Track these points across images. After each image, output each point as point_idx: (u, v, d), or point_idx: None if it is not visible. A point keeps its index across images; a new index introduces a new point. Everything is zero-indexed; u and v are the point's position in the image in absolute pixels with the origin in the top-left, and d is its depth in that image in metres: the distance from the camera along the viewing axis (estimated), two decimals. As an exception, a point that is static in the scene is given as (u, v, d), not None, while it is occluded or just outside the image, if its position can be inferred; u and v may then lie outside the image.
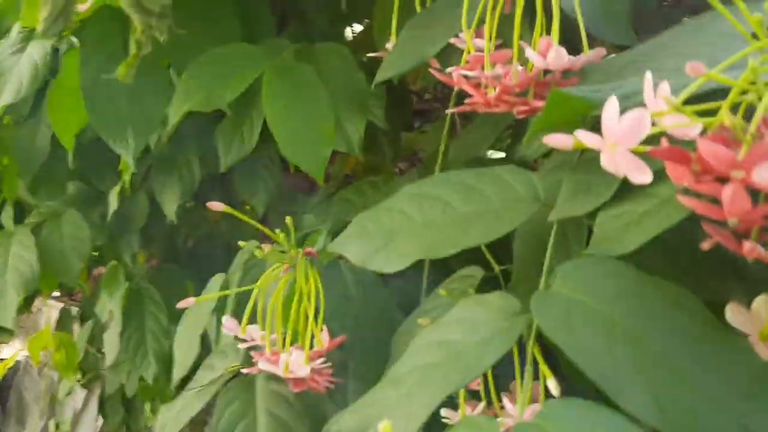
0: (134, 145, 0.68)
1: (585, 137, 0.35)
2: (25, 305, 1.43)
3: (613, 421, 0.32)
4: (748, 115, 0.35)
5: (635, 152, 0.34)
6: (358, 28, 0.96)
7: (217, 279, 0.73)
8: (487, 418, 0.38)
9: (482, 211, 0.46)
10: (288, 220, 0.58)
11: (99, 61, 0.68)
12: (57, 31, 0.54)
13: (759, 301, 0.37)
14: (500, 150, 0.85)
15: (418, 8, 0.63)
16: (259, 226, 0.61)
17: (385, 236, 0.47)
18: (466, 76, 0.53)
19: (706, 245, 0.39)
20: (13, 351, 2.58)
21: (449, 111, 0.62)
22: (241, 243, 0.61)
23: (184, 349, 0.70)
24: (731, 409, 0.32)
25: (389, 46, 0.63)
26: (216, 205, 0.54)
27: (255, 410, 0.59)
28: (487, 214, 0.46)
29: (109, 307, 0.99)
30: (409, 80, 0.82)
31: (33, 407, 2.42)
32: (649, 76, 0.36)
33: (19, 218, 1.00)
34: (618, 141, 0.34)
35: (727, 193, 0.33)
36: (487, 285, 0.57)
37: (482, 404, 0.56)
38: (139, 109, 0.68)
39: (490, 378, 0.54)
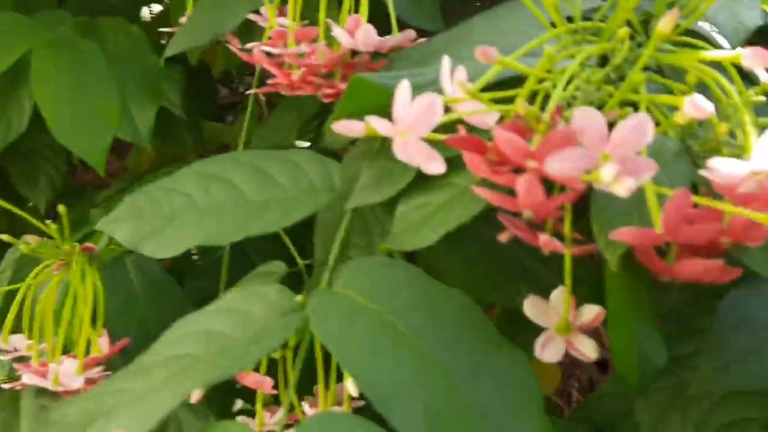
0: None
1: (377, 124, 0.32)
2: None
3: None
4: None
5: (428, 140, 0.32)
6: (157, 8, 0.90)
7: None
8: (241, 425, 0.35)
9: (273, 199, 0.43)
10: (60, 208, 0.51)
11: None
12: None
13: (555, 295, 0.36)
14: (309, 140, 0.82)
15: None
16: (37, 222, 0.54)
17: (163, 220, 0.43)
18: (267, 54, 0.49)
19: (503, 237, 0.37)
20: None
21: (249, 92, 0.58)
22: (3, 237, 0.53)
23: None
24: (500, 424, 0.31)
25: (184, 20, 0.58)
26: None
27: (18, 424, 0.52)
28: (278, 202, 0.42)
29: None
30: (209, 63, 0.77)
31: None
32: (446, 61, 0.34)
33: None
34: (408, 128, 0.31)
35: (520, 183, 0.31)
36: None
37: (282, 409, 0.53)
38: None
39: (291, 380, 0.50)
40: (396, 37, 0.47)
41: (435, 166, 0.32)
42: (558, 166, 0.29)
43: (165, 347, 0.36)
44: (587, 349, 0.35)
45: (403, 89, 0.32)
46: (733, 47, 0.37)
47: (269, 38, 0.49)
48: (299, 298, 0.37)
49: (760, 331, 0.39)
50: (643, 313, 0.35)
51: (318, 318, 0.33)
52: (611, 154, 0.29)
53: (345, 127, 0.34)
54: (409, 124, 0.31)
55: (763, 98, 0.33)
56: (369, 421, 0.30)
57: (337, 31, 0.45)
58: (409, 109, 0.31)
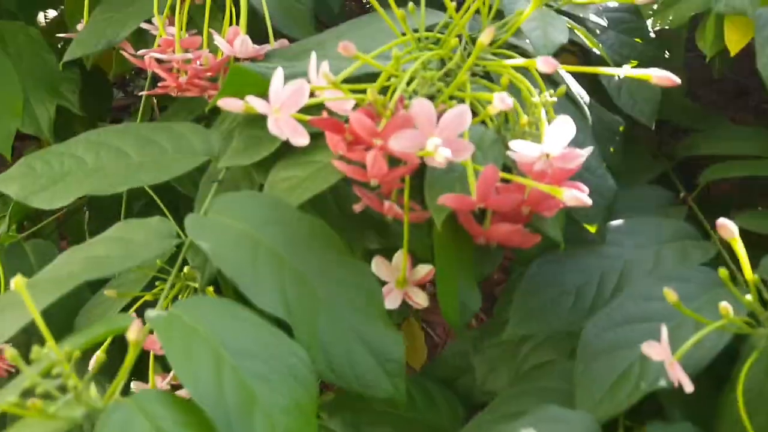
0: None
1: (254, 102, 0.39)
2: None
3: (248, 318, 0.36)
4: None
5: (296, 118, 0.39)
6: (52, 13, 0.93)
7: None
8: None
9: (156, 160, 0.49)
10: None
11: None
12: None
13: (396, 256, 0.44)
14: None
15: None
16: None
17: (54, 177, 0.48)
18: (158, 60, 0.55)
19: (357, 207, 0.45)
20: None
21: (142, 93, 0.64)
22: None
23: None
24: (347, 318, 0.39)
25: (80, 27, 0.63)
26: None
27: None
28: (161, 162, 0.49)
29: None
30: (105, 68, 0.81)
31: None
32: (313, 56, 0.41)
33: None
34: (281, 107, 0.38)
35: (368, 157, 0.39)
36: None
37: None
38: None
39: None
40: (272, 46, 0.54)
41: (301, 140, 0.39)
42: (398, 143, 0.37)
43: (45, 274, 0.41)
44: (420, 299, 0.44)
45: (277, 75, 0.39)
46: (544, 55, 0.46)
47: (159, 46, 0.55)
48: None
49: (555, 289, 0.48)
50: (465, 269, 0.43)
51: (195, 235, 0.40)
52: (438, 135, 0.37)
53: (227, 104, 0.41)
54: (282, 103, 0.38)
55: (555, 99, 0.41)
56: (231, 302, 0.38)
57: (219, 40, 0.52)
58: (282, 91, 0.38)
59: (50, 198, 0.48)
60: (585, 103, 0.52)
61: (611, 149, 0.55)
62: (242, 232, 0.40)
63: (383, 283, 0.44)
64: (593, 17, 0.59)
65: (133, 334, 0.33)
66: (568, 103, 0.50)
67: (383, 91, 0.41)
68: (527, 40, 0.49)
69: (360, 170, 0.39)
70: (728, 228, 0.36)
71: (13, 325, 0.36)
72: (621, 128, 0.56)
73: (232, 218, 0.41)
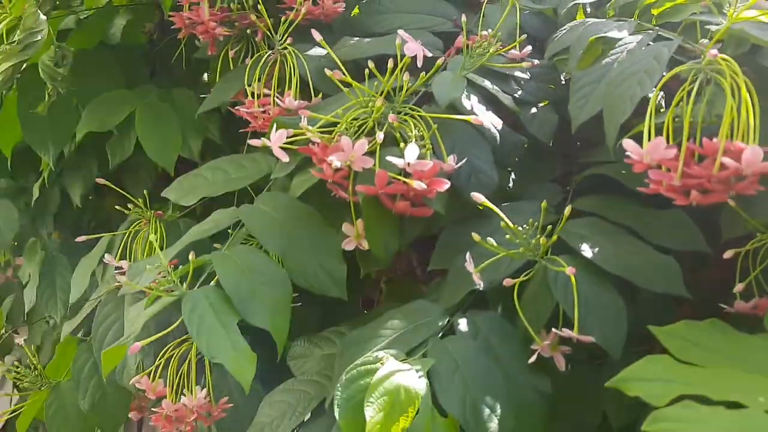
0: (53, 152, 1.05)
1: (265, 141, 0.74)
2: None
3: (262, 256, 0.71)
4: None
5: (284, 148, 0.74)
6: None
7: (105, 238, 1.09)
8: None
9: (243, 175, 0.86)
10: (145, 193, 0.96)
11: (28, 101, 1.05)
12: (7, 88, 0.91)
13: (347, 225, 0.77)
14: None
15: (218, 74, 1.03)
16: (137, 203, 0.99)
17: (191, 187, 0.86)
18: (246, 112, 0.92)
19: (334, 195, 0.79)
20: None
21: (244, 130, 1.02)
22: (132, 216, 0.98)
23: (78, 283, 1.06)
24: (317, 257, 0.73)
25: (214, 91, 1.02)
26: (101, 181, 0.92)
27: (123, 308, 0.96)
28: (245, 176, 0.86)
29: (29, 270, 1.34)
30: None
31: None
32: (302, 115, 0.76)
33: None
34: (274, 143, 0.73)
35: (326, 167, 0.73)
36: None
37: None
38: (56, 130, 1.05)
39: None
40: (311, 102, 0.89)
41: (285, 159, 0.74)
42: (334, 158, 0.71)
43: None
44: (365, 245, 0.77)
45: (274, 129, 0.74)
46: (442, 105, 0.77)
47: (245, 104, 0.91)
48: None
49: (455, 242, 0.78)
50: (389, 225, 0.75)
51: (244, 215, 0.76)
52: (353, 156, 0.70)
53: (256, 142, 0.77)
54: (274, 141, 0.73)
55: (424, 134, 0.73)
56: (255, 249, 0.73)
57: (278, 101, 0.88)
58: (275, 135, 0.73)
59: (188, 199, 0.87)
60: (496, 129, 0.82)
61: (515, 158, 0.85)
62: (265, 212, 0.76)
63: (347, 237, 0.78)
64: (518, 73, 0.89)
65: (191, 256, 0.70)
66: (473, 130, 0.80)
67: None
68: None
69: (324, 174, 0.74)
70: (477, 197, 0.66)
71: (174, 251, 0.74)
72: (525, 145, 0.85)
73: (263, 205, 0.78)
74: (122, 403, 0.93)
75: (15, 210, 1.25)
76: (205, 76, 1.32)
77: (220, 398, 0.88)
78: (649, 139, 0.55)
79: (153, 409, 0.87)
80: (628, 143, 0.56)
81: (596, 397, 0.78)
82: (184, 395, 0.85)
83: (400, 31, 0.76)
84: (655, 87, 0.61)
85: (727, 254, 0.67)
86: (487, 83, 0.83)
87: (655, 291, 0.67)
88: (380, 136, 0.70)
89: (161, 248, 0.96)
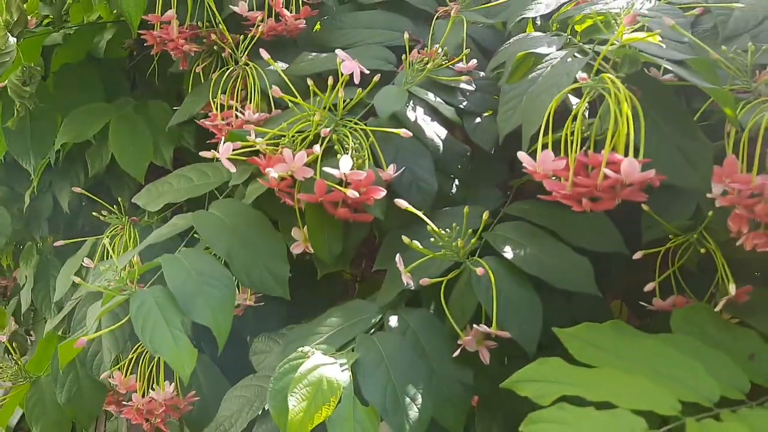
0: (34, 162, 1.12)
1: (214, 153, 0.80)
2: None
3: (210, 259, 0.77)
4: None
5: (232, 159, 0.79)
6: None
7: (90, 241, 1.16)
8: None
9: (204, 182, 0.92)
10: (119, 200, 1.02)
11: (10, 114, 1.12)
12: None
13: (296, 230, 0.83)
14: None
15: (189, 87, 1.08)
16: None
17: (158, 194, 0.92)
18: (210, 124, 0.98)
19: (282, 202, 0.84)
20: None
21: (208, 142, 1.07)
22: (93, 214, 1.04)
23: (62, 283, 1.12)
24: (262, 259, 0.78)
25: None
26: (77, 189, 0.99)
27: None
28: (206, 184, 0.92)
29: (25, 273, 1.41)
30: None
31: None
32: (251, 128, 0.82)
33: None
34: (222, 154, 0.79)
35: (270, 176, 0.78)
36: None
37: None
38: (37, 142, 1.12)
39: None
40: (271, 115, 0.95)
41: (233, 169, 0.79)
42: (276, 169, 0.76)
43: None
44: (311, 249, 0.82)
45: (223, 141, 0.79)
46: (383, 117, 0.82)
47: (209, 117, 0.97)
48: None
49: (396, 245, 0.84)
50: (332, 230, 0.81)
51: (198, 225, 0.82)
52: (294, 167, 0.76)
53: (206, 153, 0.82)
54: (222, 152, 0.79)
55: (364, 145, 0.78)
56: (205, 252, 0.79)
57: (238, 113, 0.94)
58: (223, 147, 0.79)
59: (155, 205, 0.93)
60: (440, 138, 0.87)
61: (459, 166, 0.90)
62: (217, 218, 0.82)
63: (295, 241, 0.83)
64: (464, 85, 0.94)
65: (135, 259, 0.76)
66: (415, 140, 0.85)
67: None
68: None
69: (268, 182, 0.79)
70: (400, 203, 0.72)
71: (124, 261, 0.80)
72: (468, 153, 0.90)
73: (217, 211, 0.83)
74: (97, 397, 0.98)
75: (8, 215, 1.32)
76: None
77: (188, 392, 0.94)
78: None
79: (125, 402, 0.94)
80: (522, 155, 0.61)
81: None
82: (153, 389, 0.91)
83: (338, 51, 0.81)
84: (562, 100, 0.66)
85: (637, 255, 0.72)
86: (429, 96, 0.88)
87: (568, 289, 0.71)
88: (317, 148, 0.76)
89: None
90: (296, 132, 0.80)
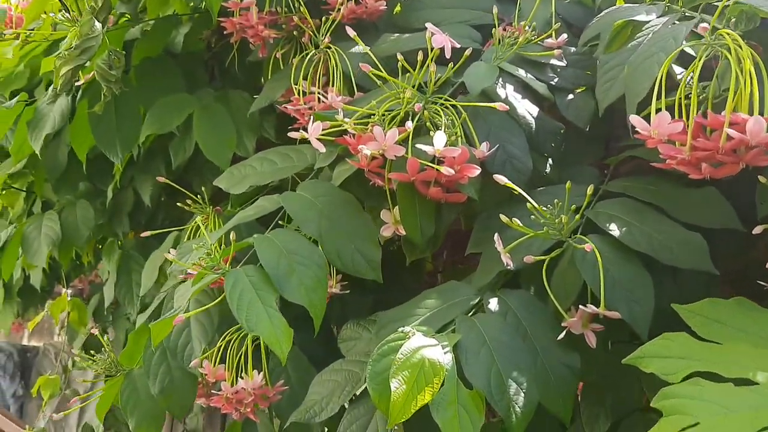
0: (120, 154, 1.13)
1: (303, 134, 0.78)
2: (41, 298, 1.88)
3: (301, 238, 0.76)
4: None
5: (321, 139, 0.78)
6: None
7: (173, 233, 1.16)
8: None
9: (288, 165, 0.90)
10: (203, 189, 1.02)
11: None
12: (66, 90, 0.98)
13: (385, 212, 0.81)
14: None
15: (268, 74, 1.08)
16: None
17: (240, 177, 0.91)
18: (293, 109, 0.97)
19: (372, 183, 0.82)
20: (35, 342, 3.04)
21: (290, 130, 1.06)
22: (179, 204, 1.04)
23: (147, 277, 1.13)
24: (354, 241, 0.77)
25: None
26: (161, 179, 0.99)
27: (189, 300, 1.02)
28: (290, 166, 0.90)
29: (107, 268, 1.43)
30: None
31: (50, 385, 2.85)
32: (339, 108, 0.80)
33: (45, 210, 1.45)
34: (311, 134, 0.77)
35: (361, 156, 0.76)
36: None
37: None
38: (123, 134, 1.13)
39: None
40: (353, 97, 0.93)
41: (322, 149, 0.78)
42: (368, 146, 0.74)
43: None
44: (402, 230, 0.80)
45: (311, 122, 0.78)
46: (473, 94, 0.79)
47: (291, 101, 0.96)
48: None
49: (491, 226, 0.81)
50: (425, 212, 0.78)
51: (287, 203, 0.80)
52: (386, 143, 0.74)
53: (295, 134, 0.81)
54: (311, 132, 0.77)
55: (457, 123, 0.76)
56: (293, 231, 0.77)
57: (321, 97, 0.92)
58: (312, 127, 0.77)
59: (239, 188, 0.92)
60: (532, 116, 0.85)
61: (552, 144, 0.86)
62: (306, 199, 0.80)
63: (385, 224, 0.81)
64: (554, 61, 0.90)
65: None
66: (508, 117, 0.83)
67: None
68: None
69: (359, 163, 0.77)
70: (500, 178, 0.69)
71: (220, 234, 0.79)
72: (561, 131, 0.87)
73: (304, 192, 0.82)
74: (189, 388, 0.98)
75: (91, 209, 1.34)
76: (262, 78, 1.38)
77: (277, 381, 0.93)
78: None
79: (213, 392, 0.93)
80: (633, 119, 0.57)
81: (636, 376, 0.79)
82: (242, 378, 0.91)
83: (429, 24, 0.79)
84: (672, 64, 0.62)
85: (757, 230, 0.67)
86: (520, 72, 0.85)
87: (681, 267, 0.68)
88: (409, 124, 0.74)
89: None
90: (386, 110, 0.78)
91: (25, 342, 3.16)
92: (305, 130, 0.99)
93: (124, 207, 1.37)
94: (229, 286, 0.71)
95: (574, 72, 0.91)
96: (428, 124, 0.78)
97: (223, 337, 0.95)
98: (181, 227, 1.07)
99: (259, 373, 0.91)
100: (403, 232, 0.80)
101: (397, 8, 1.06)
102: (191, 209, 1.03)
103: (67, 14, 1.31)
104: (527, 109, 0.85)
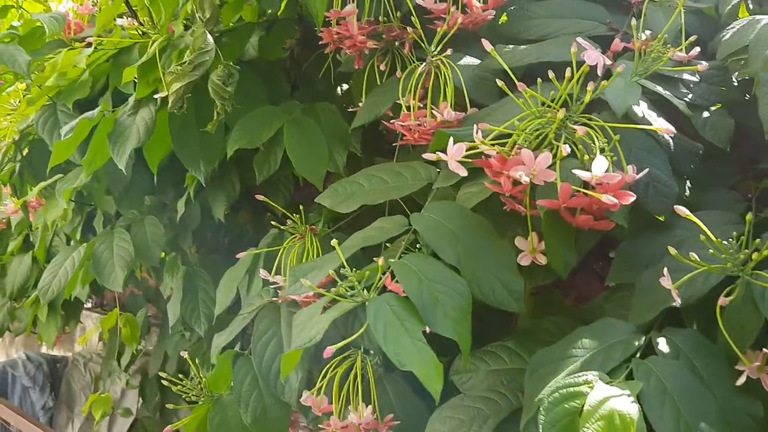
0: (204, 169, 1.06)
1: (441, 155, 0.72)
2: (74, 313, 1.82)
3: (438, 264, 0.69)
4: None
5: (461, 162, 0.72)
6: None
7: (249, 252, 1.10)
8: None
9: (401, 183, 0.84)
10: (300, 208, 0.95)
11: (179, 119, 1.06)
12: (178, 108, 0.92)
13: (520, 239, 0.75)
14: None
15: (378, 82, 1.01)
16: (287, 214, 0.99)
17: (346, 195, 0.85)
18: (401, 125, 0.91)
19: (506, 208, 0.76)
20: (64, 351, 2.97)
21: (396, 143, 1.00)
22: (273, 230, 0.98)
23: (223, 294, 1.07)
24: (494, 269, 0.70)
25: (361, 104, 1.01)
26: (259, 197, 0.93)
27: (279, 323, 0.96)
28: (403, 185, 0.84)
29: (171, 285, 1.36)
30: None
31: (80, 395, 2.78)
32: (475, 127, 0.74)
33: (104, 224, 1.39)
34: (452, 157, 0.71)
35: (504, 181, 0.70)
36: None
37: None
38: (207, 148, 1.06)
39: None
40: (466, 113, 0.87)
41: (462, 172, 0.71)
42: (515, 171, 0.68)
43: (345, 243, 0.78)
44: (542, 260, 0.74)
45: (451, 142, 0.72)
46: (618, 114, 0.73)
47: (401, 117, 0.90)
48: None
49: (636, 254, 0.75)
50: (567, 241, 0.72)
51: (418, 225, 0.74)
52: (535, 170, 0.67)
53: (428, 156, 0.75)
54: (452, 155, 0.71)
55: (609, 145, 0.69)
56: (429, 256, 0.71)
57: (435, 111, 0.86)
58: (452, 149, 0.71)
59: (346, 206, 0.86)
60: (669, 136, 0.78)
61: (691, 166, 0.80)
62: (438, 222, 0.74)
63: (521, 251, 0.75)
64: (687, 76, 0.84)
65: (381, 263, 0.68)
66: (648, 137, 0.77)
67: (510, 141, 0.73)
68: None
69: (500, 187, 0.71)
70: (681, 210, 0.63)
71: (331, 266, 0.73)
72: (700, 152, 0.81)
73: (433, 214, 0.76)
74: (283, 417, 0.93)
75: (161, 226, 1.28)
76: (339, 89, 1.32)
77: (384, 415, 0.87)
78: None
79: (320, 426, 0.87)
80: None
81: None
82: (351, 412, 0.85)
83: (579, 39, 0.73)
84: None
85: None
86: (659, 88, 0.79)
87: None
88: (566, 148, 0.67)
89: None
90: (531, 130, 0.72)
91: (43, 351, 3.10)
92: (414, 147, 0.94)
93: (191, 222, 1.31)
94: (371, 316, 0.65)
95: (707, 88, 0.85)
96: (573, 145, 0.72)
97: (325, 369, 0.89)
98: (276, 247, 1.01)
99: (367, 407, 0.85)
100: (542, 261, 0.74)
101: (503, 17, 1.00)
102: (287, 229, 0.97)
103: (134, 21, 1.25)
104: (665, 129, 0.79)
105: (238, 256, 1.01)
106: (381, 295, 0.68)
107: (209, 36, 0.85)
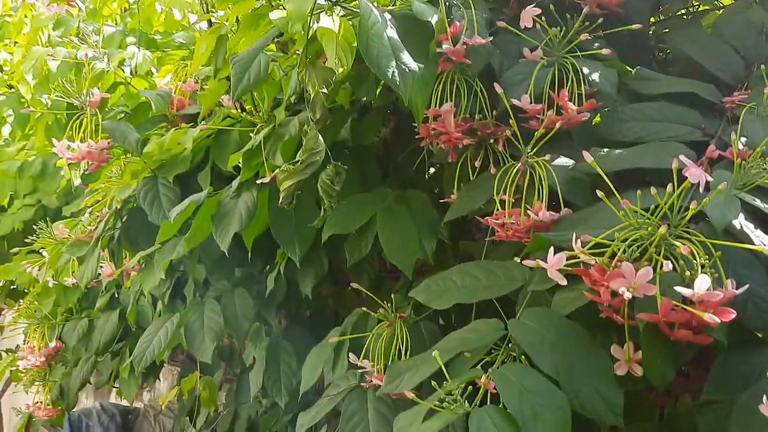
0: (299, 251, 1.10)
1: (541, 263, 0.74)
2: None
3: (536, 375, 0.70)
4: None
5: (561, 270, 0.73)
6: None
7: (334, 331, 1.12)
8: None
9: (494, 283, 0.86)
10: (393, 297, 0.98)
11: (276, 202, 1.11)
12: (288, 203, 0.97)
13: (616, 348, 0.75)
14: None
15: (470, 176, 1.04)
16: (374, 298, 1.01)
17: (439, 291, 0.87)
18: (495, 221, 0.93)
19: (603, 315, 0.77)
20: (137, 402, 3.04)
21: (487, 239, 1.02)
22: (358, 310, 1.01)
23: (309, 372, 1.09)
24: (592, 380, 0.71)
25: (453, 197, 1.04)
26: (355, 285, 0.95)
27: (366, 408, 0.97)
28: (496, 284, 0.85)
29: (253, 354, 1.40)
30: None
31: (151, 447, 2.84)
32: (573, 235, 0.75)
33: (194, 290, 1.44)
34: (552, 266, 0.72)
35: (603, 291, 0.71)
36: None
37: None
38: (302, 230, 1.11)
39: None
40: (559, 214, 0.88)
41: (562, 281, 0.73)
42: (616, 283, 0.69)
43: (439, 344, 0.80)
44: (638, 371, 0.74)
45: (551, 252, 0.73)
46: (719, 228, 0.74)
47: (495, 214, 0.92)
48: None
49: (734, 369, 0.74)
50: (664, 354, 0.72)
51: (515, 332, 0.76)
52: (636, 283, 0.68)
53: (527, 263, 0.76)
54: (552, 264, 0.73)
55: (710, 261, 0.70)
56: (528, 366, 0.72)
57: (530, 212, 0.88)
58: (553, 258, 0.73)
59: (439, 303, 0.88)
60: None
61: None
62: (535, 329, 0.75)
63: (616, 360, 0.75)
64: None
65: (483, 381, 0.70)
66: (745, 251, 0.77)
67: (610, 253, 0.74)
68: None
69: (598, 296, 0.72)
70: None
71: (428, 368, 0.74)
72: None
73: (530, 321, 0.77)
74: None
75: (250, 299, 1.32)
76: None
77: None
78: None
79: None
80: None
81: None
82: None
83: (682, 157, 0.74)
84: None
85: None
86: (758, 202, 0.80)
87: None
88: (668, 265, 0.68)
89: (405, 351, 0.97)
90: (631, 242, 0.73)
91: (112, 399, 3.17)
92: (499, 241, 0.95)
93: (278, 296, 1.35)
94: (473, 429, 0.66)
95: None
96: (678, 260, 0.73)
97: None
98: (361, 331, 1.03)
99: None
100: (639, 372, 0.74)
101: (597, 118, 1.01)
102: (378, 315, 0.99)
103: (236, 109, 1.32)
104: (762, 242, 0.78)
105: (330, 340, 1.03)
106: (481, 408, 0.69)
107: (320, 137, 0.89)
